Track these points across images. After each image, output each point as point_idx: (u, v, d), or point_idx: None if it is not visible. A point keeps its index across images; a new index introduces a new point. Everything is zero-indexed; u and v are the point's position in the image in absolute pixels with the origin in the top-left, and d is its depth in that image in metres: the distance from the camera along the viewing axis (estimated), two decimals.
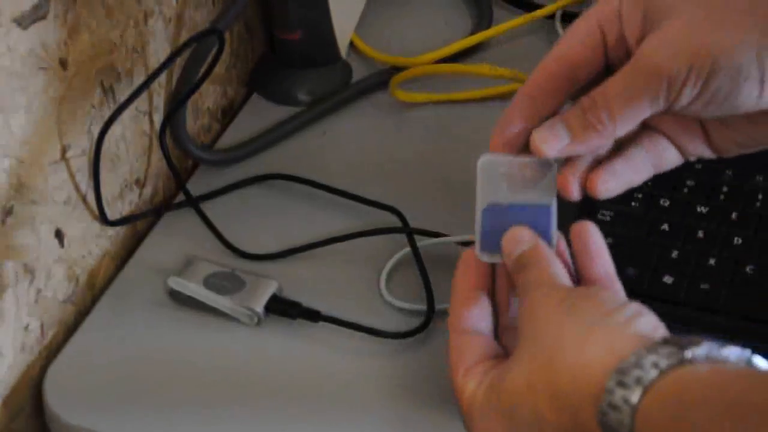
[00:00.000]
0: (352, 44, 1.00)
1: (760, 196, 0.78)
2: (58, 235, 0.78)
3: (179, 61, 0.85)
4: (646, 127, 0.61)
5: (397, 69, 0.96)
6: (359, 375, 0.75)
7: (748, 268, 0.74)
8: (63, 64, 0.75)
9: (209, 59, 0.84)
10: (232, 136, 0.93)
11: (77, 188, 0.79)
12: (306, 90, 0.96)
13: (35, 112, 0.73)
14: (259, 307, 0.78)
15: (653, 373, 0.50)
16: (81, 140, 0.78)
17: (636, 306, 0.55)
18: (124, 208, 0.85)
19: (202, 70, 0.85)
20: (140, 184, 0.86)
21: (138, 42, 0.83)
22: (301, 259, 0.82)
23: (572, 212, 0.78)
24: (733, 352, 0.51)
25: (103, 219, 0.81)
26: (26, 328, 0.76)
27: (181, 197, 0.87)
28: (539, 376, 0.54)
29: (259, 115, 0.95)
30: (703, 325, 0.72)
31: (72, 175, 0.78)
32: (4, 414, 0.75)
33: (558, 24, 1.00)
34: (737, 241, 0.76)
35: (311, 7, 0.94)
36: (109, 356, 0.77)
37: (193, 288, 0.79)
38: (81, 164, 0.79)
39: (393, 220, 0.84)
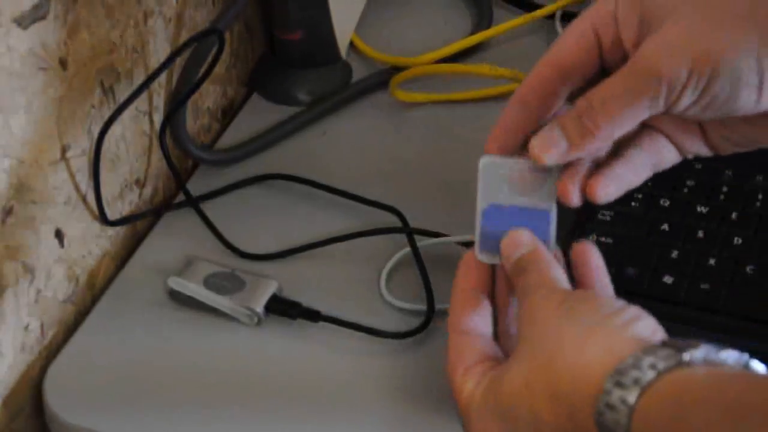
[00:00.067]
0: (352, 44, 1.00)
1: (760, 196, 0.78)
2: (58, 235, 0.78)
3: (179, 61, 0.86)
4: (645, 126, 0.61)
5: (397, 69, 0.96)
6: (359, 375, 0.75)
7: (748, 268, 0.74)
8: (63, 64, 0.75)
9: (209, 59, 0.84)
10: (232, 136, 0.93)
11: (77, 188, 0.79)
12: (306, 90, 0.96)
13: (35, 112, 0.73)
14: (259, 307, 0.78)
15: (651, 375, 0.50)
16: (81, 140, 0.78)
17: (635, 309, 0.55)
18: (124, 208, 0.85)
19: (202, 70, 0.85)
20: (140, 184, 0.86)
21: (138, 42, 0.83)
22: (301, 259, 0.82)
23: (572, 212, 0.78)
24: (730, 356, 0.51)
25: (103, 219, 0.81)
26: (26, 328, 0.76)
27: (181, 197, 0.87)
28: (538, 376, 0.54)
29: (259, 115, 0.95)
30: (703, 325, 0.72)
31: (72, 175, 0.78)
32: (4, 414, 0.75)
33: (558, 24, 1.00)
34: (737, 241, 0.76)
35: (311, 7, 0.94)
36: (109, 356, 0.77)
37: (193, 288, 0.79)
38: (81, 164, 0.79)
39: (393, 220, 0.84)
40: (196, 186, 0.88)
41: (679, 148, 0.62)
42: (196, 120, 0.92)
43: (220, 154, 0.91)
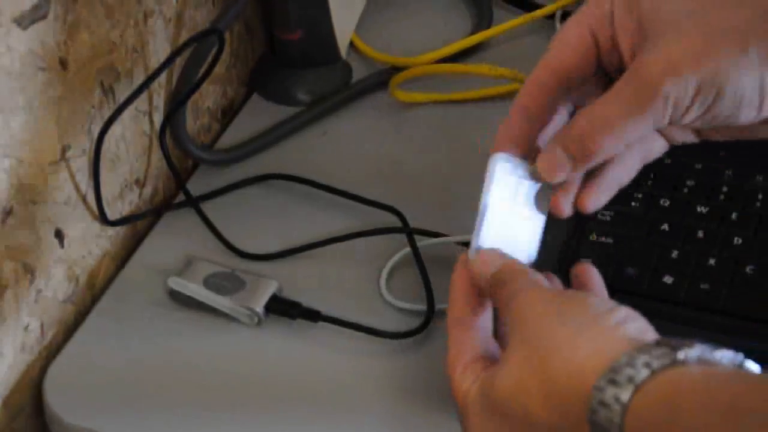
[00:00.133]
0: (352, 44, 1.00)
1: (760, 196, 0.78)
2: (58, 235, 0.78)
3: (179, 61, 0.86)
4: None
5: (397, 69, 0.96)
6: (359, 375, 0.75)
7: (748, 268, 0.74)
8: (63, 64, 0.75)
9: (209, 59, 0.84)
10: (232, 136, 0.93)
11: (77, 188, 0.79)
12: (306, 90, 0.96)
13: (35, 112, 0.73)
14: (259, 307, 0.78)
15: (645, 373, 0.50)
16: (81, 140, 0.78)
17: (626, 310, 0.55)
18: (124, 208, 0.85)
19: (202, 70, 0.85)
20: (140, 184, 0.86)
21: (138, 42, 0.83)
22: (301, 259, 0.82)
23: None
24: (725, 356, 0.51)
25: (103, 219, 0.81)
26: (26, 328, 0.76)
27: (181, 197, 0.87)
28: (531, 376, 0.54)
29: (259, 115, 0.95)
30: (703, 325, 0.72)
31: (72, 175, 0.78)
32: (4, 414, 0.75)
33: (558, 24, 1.00)
34: (737, 241, 0.76)
35: (311, 7, 0.94)
36: (109, 356, 0.77)
37: (193, 288, 0.79)
38: (81, 164, 0.79)
39: (393, 220, 0.84)
40: (196, 186, 0.88)
41: (668, 138, 0.62)
42: (196, 120, 0.92)
43: (220, 154, 0.91)
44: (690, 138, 0.63)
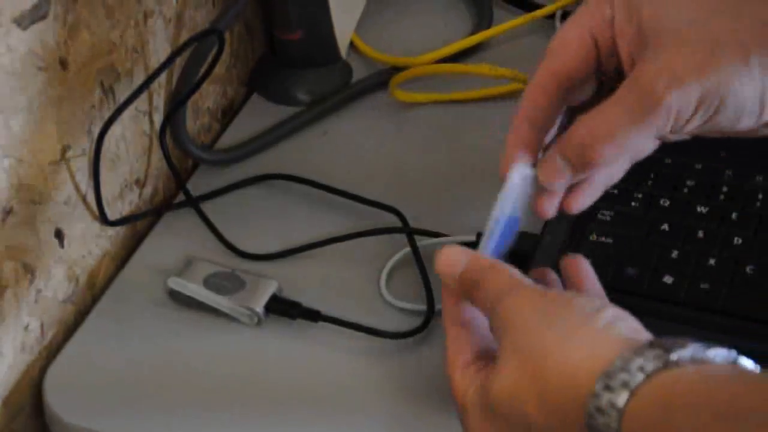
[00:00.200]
0: (352, 44, 1.00)
1: (760, 196, 0.78)
2: (58, 235, 0.78)
3: (179, 61, 0.85)
4: None
5: (397, 69, 0.96)
6: (359, 375, 0.75)
7: (748, 268, 0.74)
8: (63, 64, 0.75)
9: (209, 59, 0.84)
10: (232, 136, 0.93)
11: (77, 188, 0.79)
12: (306, 90, 0.96)
13: (35, 112, 0.73)
14: (259, 307, 0.78)
15: (639, 377, 0.50)
16: (81, 140, 0.78)
17: (613, 310, 0.55)
18: (124, 208, 0.85)
19: (202, 70, 0.85)
20: (140, 184, 0.86)
21: (138, 42, 0.83)
22: (301, 259, 0.82)
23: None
24: (718, 354, 0.51)
25: (103, 219, 0.81)
26: (26, 328, 0.76)
27: (181, 197, 0.87)
28: (526, 383, 0.53)
29: (259, 115, 0.95)
30: (703, 325, 0.72)
31: (72, 175, 0.78)
32: (4, 414, 0.75)
33: (558, 24, 1.00)
34: (737, 241, 0.76)
35: (311, 7, 0.94)
36: (109, 356, 0.77)
37: (193, 288, 0.79)
38: (81, 164, 0.79)
39: (393, 220, 0.84)
40: (196, 186, 0.88)
41: (661, 137, 0.62)
42: (196, 120, 0.92)
43: (220, 154, 0.91)
44: (684, 136, 0.63)
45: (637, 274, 0.75)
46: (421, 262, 0.79)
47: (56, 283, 0.78)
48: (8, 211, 0.72)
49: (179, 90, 0.86)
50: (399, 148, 0.91)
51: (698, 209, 0.78)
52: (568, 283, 0.62)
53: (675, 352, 0.50)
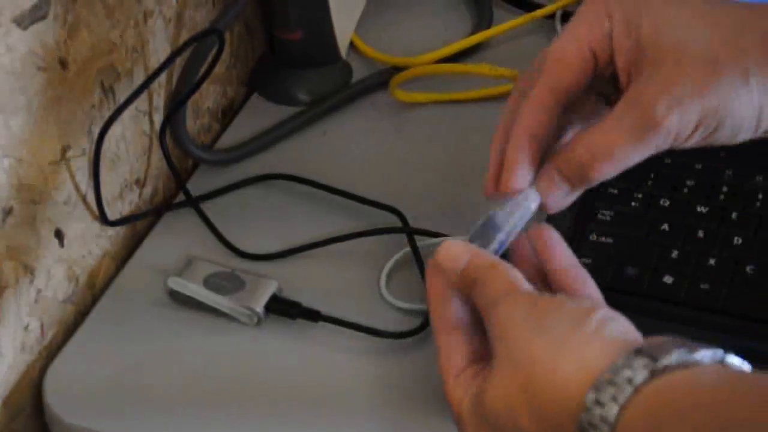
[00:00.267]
0: (352, 44, 1.00)
1: (760, 196, 0.78)
2: (58, 235, 0.78)
3: (179, 61, 0.86)
4: None
5: (397, 69, 0.96)
6: (359, 375, 0.75)
7: (748, 268, 0.74)
8: (63, 64, 0.75)
9: (209, 59, 0.84)
10: (232, 136, 0.93)
11: (77, 188, 0.79)
12: (306, 90, 0.96)
13: (35, 112, 0.73)
14: (259, 307, 0.78)
15: (628, 390, 0.50)
16: (81, 140, 0.78)
17: (603, 311, 0.54)
18: (124, 208, 0.85)
19: (202, 70, 0.85)
20: (140, 184, 0.86)
21: (138, 42, 0.83)
22: (301, 259, 0.82)
23: (572, 212, 0.78)
24: (705, 355, 0.51)
25: (103, 219, 0.81)
26: (26, 328, 0.76)
27: (181, 197, 0.87)
28: (518, 396, 0.54)
29: (259, 115, 0.95)
30: (703, 325, 0.72)
31: (72, 175, 0.78)
32: (4, 414, 0.75)
33: (558, 24, 1.00)
34: (737, 241, 0.76)
35: (311, 7, 0.94)
36: (109, 356, 0.77)
37: (193, 288, 0.79)
38: (81, 164, 0.79)
39: (393, 220, 0.84)
40: (196, 186, 0.88)
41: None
42: (196, 120, 0.92)
43: (220, 154, 0.91)
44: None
45: (637, 274, 0.75)
46: (421, 262, 0.79)
47: (56, 283, 0.78)
48: (8, 211, 0.72)
49: (179, 90, 0.86)
50: (399, 148, 0.91)
51: (698, 209, 0.78)
52: (539, 257, 0.62)
53: (662, 359, 0.51)
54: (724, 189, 0.79)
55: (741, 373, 0.52)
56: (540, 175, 0.61)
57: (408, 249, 0.81)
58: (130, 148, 0.84)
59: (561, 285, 0.61)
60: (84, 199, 0.80)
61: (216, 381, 0.75)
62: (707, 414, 0.48)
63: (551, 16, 1.01)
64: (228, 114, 0.97)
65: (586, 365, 0.52)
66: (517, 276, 0.58)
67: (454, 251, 0.60)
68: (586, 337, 0.53)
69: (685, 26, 0.58)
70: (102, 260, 0.83)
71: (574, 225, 0.78)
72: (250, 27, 0.98)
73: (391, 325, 0.77)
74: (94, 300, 0.82)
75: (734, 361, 0.52)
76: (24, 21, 0.70)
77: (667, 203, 0.79)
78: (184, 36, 0.88)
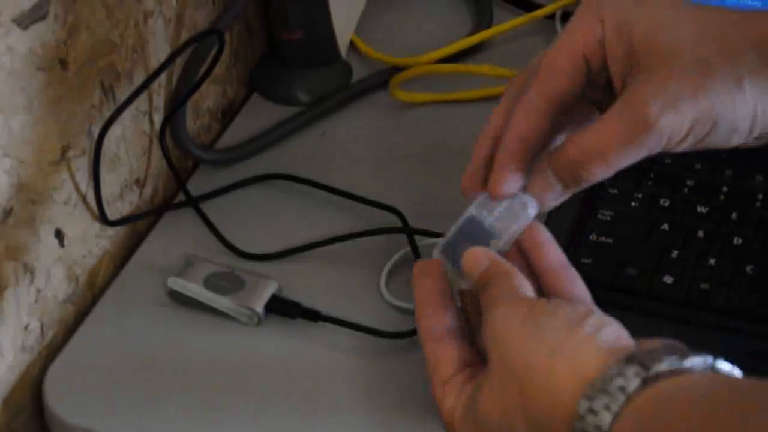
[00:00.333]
0: (352, 44, 1.00)
1: (760, 196, 0.78)
2: (58, 235, 0.78)
3: (179, 61, 0.86)
4: None
5: (397, 69, 0.96)
6: (359, 375, 0.75)
7: (748, 268, 0.74)
8: (63, 64, 0.75)
9: (209, 59, 0.84)
10: (232, 136, 0.93)
11: (77, 188, 0.79)
12: (306, 90, 0.96)
13: (35, 112, 0.73)
14: (259, 307, 0.78)
15: (621, 398, 0.50)
16: (81, 140, 0.78)
17: (597, 317, 0.55)
18: (124, 208, 0.85)
19: (202, 70, 0.85)
20: (140, 184, 0.86)
21: (138, 42, 0.83)
22: (301, 259, 0.82)
23: (572, 212, 0.78)
24: (696, 363, 0.51)
25: (103, 219, 0.81)
26: (26, 328, 0.76)
27: (181, 197, 0.87)
28: (512, 402, 0.54)
29: (259, 115, 0.95)
30: (703, 325, 0.72)
31: (72, 175, 0.78)
32: (4, 414, 0.75)
33: (558, 24, 1.00)
34: (737, 241, 0.76)
35: (311, 7, 0.94)
36: (109, 356, 0.77)
37: (193, 288, 0.79)
38: (81, 164, 0.79)
39: (393, 220, 0.84)
40: (196, 186, 0.88)
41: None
42: (196, 120, 0.92)
43: (220, 154, 0.91)
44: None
45: (637, 274, 0.75)
46: None
47: (56, 283, 0.78)
48: (8, 211, 0.72)
49: (179, 90, 0.86)
50: (399, 148, 0.91)
51: (698, 209, 0.78)
52: (530, 256, 0.62)
53: (653, 367, 0.51)
54: (724, 189, 0.79)
55: (732, 379, 0.52)
56: (533, 174, 0.61)
57: (408, 249, 0.81)
58: (130, 148, 0.84)
59: (551, 284, 0.61)
60: (84, 199, 0.80)
61: (216, 381, 0.75)
62: (699, 421, 0.48)
63: (551, 16, 1.01)
64: (228, 114, 0.97)
65: (580, 372, 0.52)
66: (521, 282, 0.58)
67: (476, 257, 0.60)
68: (580, 343, 0.53)
69: (677, 29, 0.58)
70: (102, 260, 0.83)
71: (574, 225, 0.78)
72: (250, 27, 0.98)
73: (391, 325, 0.77)
74: (94, 300, 0.82)
75: (724, 367, 0.52)
76: (24, 21, 0.70)
77: (667, 203, 0.79)
78: (184, 36, 0.88)
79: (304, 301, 0.78)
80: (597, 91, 0.62)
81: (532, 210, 0.61)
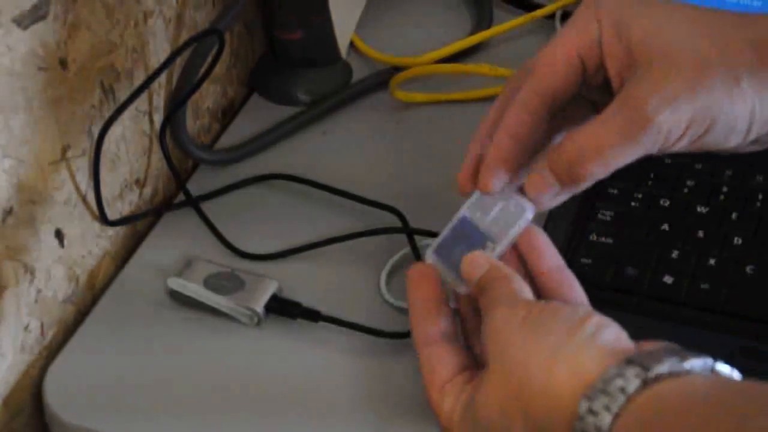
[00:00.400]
0: (352, 44, 1.00)
1: (760, 196, 0.78)
2: (58, 235, 0.78)
3: (179, 61, 0.86)
4: None
5: (397, 69, 0.96)
6: (359, 375, 0.75)
7: (748, 268, 0.74)
8: (63, 64, 0.75)
9: (209, 59, 0.84)
10: (232, 136, 0.93)
11: (77, 188, 0.79)
12: (306, 90, 0.96)
13: (35, 112, 0.73)
14: (259, 307, 0.78)
15: (621, 399, 0.50)
16: (81, 140, 0.78)
17: (597, 319, 0.55)
18: (124, 208, 0.85)
19: (202, 70, 0.85)
20: (140, 184, 0.86)
21: (138, 42, 0.83)
22: (301, 259, 0.82)
23: (572, 212, 0.78)
24: (696, 364, 0.52)
25: (103, 219, 0.81)
26: (26, 328, 0.76)
27: (181, 197, 0.87)
28: (512, 403, 0.54)
29: (259, 115, 0.95)
30: (703, 325, 0.72)
31: (72, 175, 0.78)
32: (4, 414, 0.75)
33: (558, 24, 1.00)
34: (737, 241, 0.76)
35: (311, 7, 0.94)
36: (109, 356, 0.77)
37: (193, 288, 0.79)
38: (81, 164, 0.79)
39: (393, 220, 0.84)
40: (196, 186, 0.88)
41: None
42: (196, 120, 0.92)
43: (220, 154, 0.91)
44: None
45: (637, 274, 0.75)
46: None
47: (56, 283, 0.78)
48: (8, 211, 0.72)
49: (179, 90, 0.86)
50: (399, 148, 0.91)
51: (698, 209, 0.78)
52: (527, 259, 0.62)
53: (653, 369, 0.51)
54: (724, 189, 0.79)
55: (731, 381, 0.52)
56: (530, 173, 0.61)
57: (408, 249, 0.81)
58: (130, 148, 0.84)
59: (548, 287, 0.61)
60: (84, 199, 0.80)
61: (216, 381, 0.75)
62: (699, 422, 0.48)
63: (551, 16, 1.01)
64: (228, 114, 0.97)
65: (580, 373, 0.52)
66: (521, 286, 0.58)
67: (475, 261, 0.60)
68: (580, 344, 0.53)
69: (675, 30, 0.58)
70: (102, 260, 0.83)
71: (574, 225, 0.78)
72: (250, 27, 0.98)
73: (391, 325, 0.77)
74: (94, 300, 0.82)
75: (724, 369, 0.52)
76: (24, 21, 0.70)
77: (667, 203, 0.79)
78: (184, 36, 0.88)
79: (304, 301, 0.78)
80: (595, 93, 0.62)
81: (530, 213, 0.61)
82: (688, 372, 0.51)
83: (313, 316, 0.77)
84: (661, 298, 0.74)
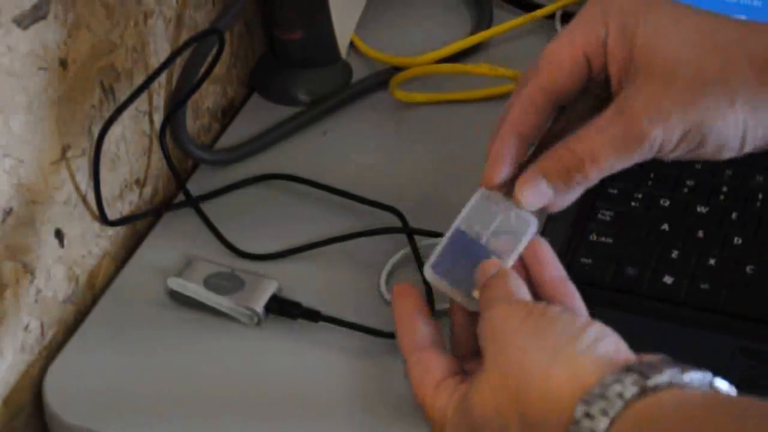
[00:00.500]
0: (352, 44, 1.00)
1: (760, 196, 0.78)
2: (58, 235, 0.78)
3: (179, 61, 0.86)
4: None
5: (397, 69, 0.96)
6: (359, 375, 0.75)
7: (748, 268, 0.74)
8: (63, 64, 0.75)
9: (209, 59, 0.84)
10: (232, 136, 0.93)
11: (77, 188, 0.79)
12: (306, 90, 0.96)
13: (35, 112, 0.73)
14: (259, 307, 0.78)
15: (619, 404, 0.50)
16: (81, 140, 0.78)
17: (597, 327, 0.55)
18: (124, 208, 0.85)
19: (202, 70, 0.85)
20: (140, 184, 0.86)
21: (138, 42, 0.83)
22: (301, 259, 0.82)
23: (572, 212, 0.78)
24: (694, 377, 0.52)
25: (103, 219, 0.81)
26: (26, 328, 0.76)
27: (181, 197, 0.87)
28: (508, 404, 0.54)
29: (259, 115, 0.95)
30: (703, 325, 0.72)
31: (72, 175, 0.78)
32: (4, 414, 0.75)
33: (558, 24, 1.00)
34: (737, 241, 0.76)
35: (311, 7, 0.94)
36: (109, 356, 0.77)
37: (193, 288, 0.79)
38: (81, 164, 0.79)
39: (393, 220, 0.84)
40: (196, 186, 0.88)
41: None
42: (196, 120, 0.92)
43: (220, 154, 0.91)
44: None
45: (637, 274, 0.75)
46: (420, 262, 0.79)
47: (56, 283, 0.78)
48: (8, 211, 0.72)
49: (179, 90, 0.86)
50: (399, 148, 0.91)
51: (698, 209, 0.78)
52: (530, 270, 0.62)
53: (652, 378, 0.51)
54: (724, 189, 0.79)
55: (729, 396, 0.52)
56: (523, 178, 0.61)
57: (408, 249, 0.81)
58: (130, 148, 0.84)
59: (548, 297, 0.61)
60: (84, 199, 0.80)
61: (216, 381, 0.75)
62: (697, 428, 0.48)
63: (551, 16, 1.01)
64: (228, 114, 0.97)
65: (578, 378, 0.52)
66: (519, 285, 0.59)
67: (490, 268, 0.61)
68: (580, 350, 0.53)
69: (678, 40, 0.59)
70: (102, 260, 0.83)
71: (574, 225, 0.78)
72: (250, 27, 0.98)
73: (391, 325, 0.77)
74: (94, 300, 0.82)
75: (722, 385, 0.52)
76: (24, 21, 0.70)
77: (667, 203, 0.79)
78: (184, 36, 0.88)
79: (304, 301, 0.78)
80: (601, 88, 0.62)
81: (534, 226, 0.62)
82: (687, 384, 0.51)
83: (312, 316, 0.77)
84: (661, 298, 0.74)
